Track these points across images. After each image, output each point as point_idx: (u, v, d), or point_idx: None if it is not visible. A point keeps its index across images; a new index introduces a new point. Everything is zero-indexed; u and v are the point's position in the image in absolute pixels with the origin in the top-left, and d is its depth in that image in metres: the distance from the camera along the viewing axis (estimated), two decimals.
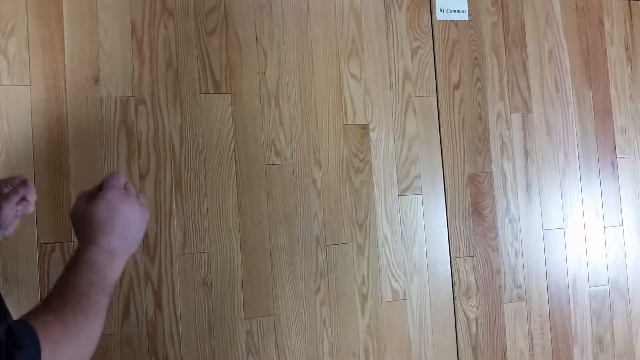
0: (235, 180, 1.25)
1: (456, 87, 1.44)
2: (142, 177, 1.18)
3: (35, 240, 1.12)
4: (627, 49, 1.60)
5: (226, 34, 1.27)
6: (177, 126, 1.22)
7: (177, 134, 1.22)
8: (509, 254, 1.43)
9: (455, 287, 1.38)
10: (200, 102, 1.24)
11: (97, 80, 1.18)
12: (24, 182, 0.82)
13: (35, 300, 1.10)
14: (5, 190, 0.81)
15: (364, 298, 1.31)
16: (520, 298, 1.43)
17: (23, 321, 0.55)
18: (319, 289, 1.28)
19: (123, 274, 1.15)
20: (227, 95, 1.26)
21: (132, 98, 1.19)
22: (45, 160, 1.13)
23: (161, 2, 1.23)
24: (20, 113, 1.13)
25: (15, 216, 0.83)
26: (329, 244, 1.30)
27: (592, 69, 1.56)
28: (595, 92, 1.55)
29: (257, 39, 1.29)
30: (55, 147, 1.14)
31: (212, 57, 1.25)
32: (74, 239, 1.12)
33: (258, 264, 1.25)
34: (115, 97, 1.19)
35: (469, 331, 1.38)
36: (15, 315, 1.08)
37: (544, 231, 1.47)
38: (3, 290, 1.08)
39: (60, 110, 1.15)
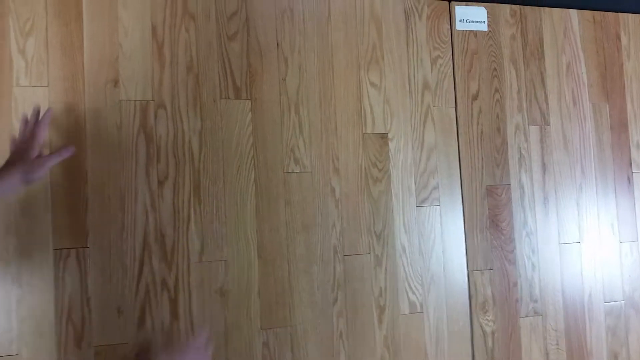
0: (253, 187, 1.23)
1: (475, 98, 1.44)
2: (160, 183, 1.16)
3: (50, 246, 1.09)
4: None
5: (247, 39, 1.25)
6: (197, 132, 1.20)
7: (197, 140, 1.20)
8: (525, 267, 1.41)
9: (472, 300, 1.36)
10: (220, 107, 1.22)
11: (116, 83, 1.16)
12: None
13: (49, 307, 1.07)
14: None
15: (381, 310, 1.29)
16: (536, 312, 1.41)
17: None
18: (336, 300, 1.26)
19: (139, 280, 1.13)
20: (247, 101, 1.24)
21: (152, 102, 1.17)
22: (62, 163, 1.10)
23: (182, 5, 1.21)
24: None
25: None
26: (346, 254, 1.28)
27: (609, 83, 1.56)
28: (612, 106, 1.55)
29: (278, 44, 1.28)
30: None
31: (233, 62, 1.24)
32: (90, 244, 1.10)
33: (275, 272, 1.23)
34: (135, 100, 1.16)
35: (485, 345, 1.36)
36: (29, 320, 1.06)
37: (560, 245, 1.46)
38: (17, 297, 1.06)
39: (78, 112, 1.13)
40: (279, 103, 1.27)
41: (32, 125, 1.01)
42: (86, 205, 1.11)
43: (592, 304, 1.46)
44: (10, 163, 0.94)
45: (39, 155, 0.98)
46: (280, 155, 1.26)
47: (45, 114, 1.03)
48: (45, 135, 1.04)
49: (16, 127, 1.07)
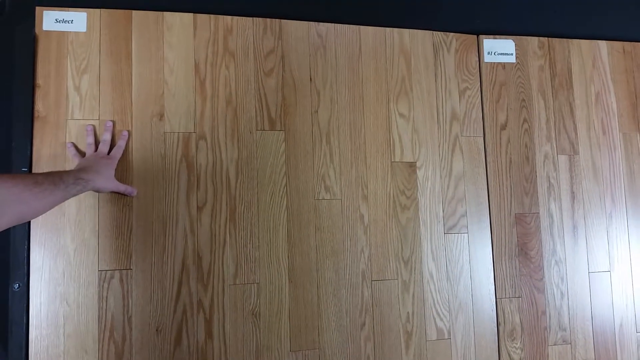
0: (285, 213, 1.29)
1: (503, 127, 1.47)
2: (199, 209, 1.24)
3: (96, 267, 1.17)
4: None
5: (282, 75, 1.33)
6: (234, 161, 1.27)
7: (234, 168, 1.27)
8: (554, 295, 1.42)
9: (500, 328, 1.38)
10: (256, 138, 1.29)
11: (161, 117, 1.25)
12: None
13: (93, 325, 1.15)
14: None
15: (409, 336, 1.32)
16: (565, 341, 1.41)
17: None
18: (363, 324, 1.30)
19: (177, 301, 1.20)
20: (281, 132, 1.31)
21: (194, 134, 1.26)
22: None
23: (223, 44, 1.30)
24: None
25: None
26: (374, 279, 1.32)
27: None
28: None
29: (311, 79, 1.35)
30: (119, 178, 1.20)
31: (269, 96, 1.31)
32: (133, 266, 1.18)
33: (305, 296, 1.28)
34: (178, 132, 1.25)
35: None
36: (75, 337, 1.13)
37: (590, 274, 1.45)
38: (64, 315, 1.14)
39: (125, 143, 1.22)
40: (311, 134, 1.33)
41: (107, 143, 1.19)
42: (131, 230, 1.20)
43: (623, 334, 1.44)
44: (83, 169, 1.07)
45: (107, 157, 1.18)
46: (311, 183, 1.32)
47: (122, 137, 1.21)
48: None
49: (69, 156, 1.18)
